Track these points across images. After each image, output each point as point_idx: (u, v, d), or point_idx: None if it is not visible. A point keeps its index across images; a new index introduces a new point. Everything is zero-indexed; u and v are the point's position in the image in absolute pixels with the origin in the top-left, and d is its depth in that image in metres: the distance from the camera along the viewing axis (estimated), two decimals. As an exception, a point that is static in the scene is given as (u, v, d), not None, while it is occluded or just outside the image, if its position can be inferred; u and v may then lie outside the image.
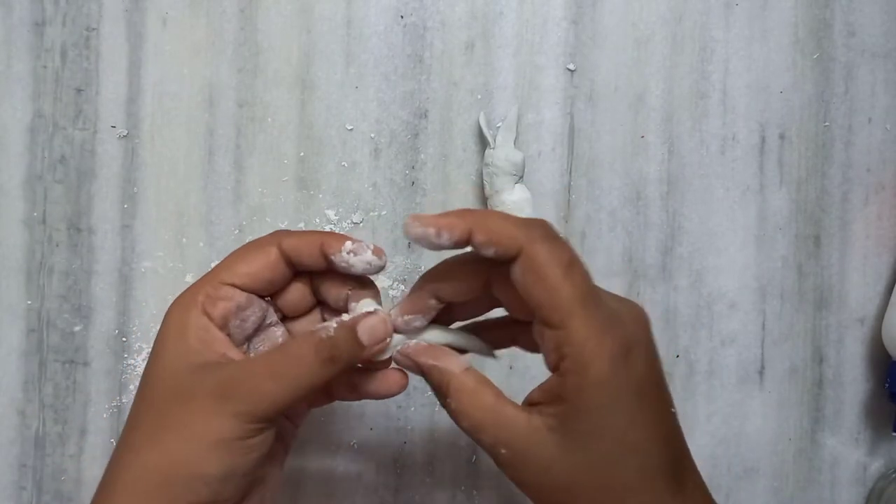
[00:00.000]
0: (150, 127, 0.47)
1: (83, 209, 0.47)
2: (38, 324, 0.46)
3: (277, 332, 0.36)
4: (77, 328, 0.46)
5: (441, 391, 0.32)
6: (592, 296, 0.30)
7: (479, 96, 0.48)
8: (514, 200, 0.45)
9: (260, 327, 0.35)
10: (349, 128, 0.47)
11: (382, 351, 0.33)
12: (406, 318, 0.33)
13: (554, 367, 0.30)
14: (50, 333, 0.46)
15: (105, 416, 0.46)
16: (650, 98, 0.48)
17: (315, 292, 0.36)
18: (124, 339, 0.46)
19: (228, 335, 0.34)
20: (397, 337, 0.33)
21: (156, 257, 0.47)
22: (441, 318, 0.35)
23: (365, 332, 0.32)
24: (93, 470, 0.46)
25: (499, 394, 0.31)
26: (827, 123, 0.49)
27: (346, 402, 0.47)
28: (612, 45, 0.48)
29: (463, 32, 0.48)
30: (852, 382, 0.50)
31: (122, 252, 0.47)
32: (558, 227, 0.48)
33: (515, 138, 0.46)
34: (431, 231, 0.30)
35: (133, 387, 0.46)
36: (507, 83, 0.48)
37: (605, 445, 0.29)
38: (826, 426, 0.49)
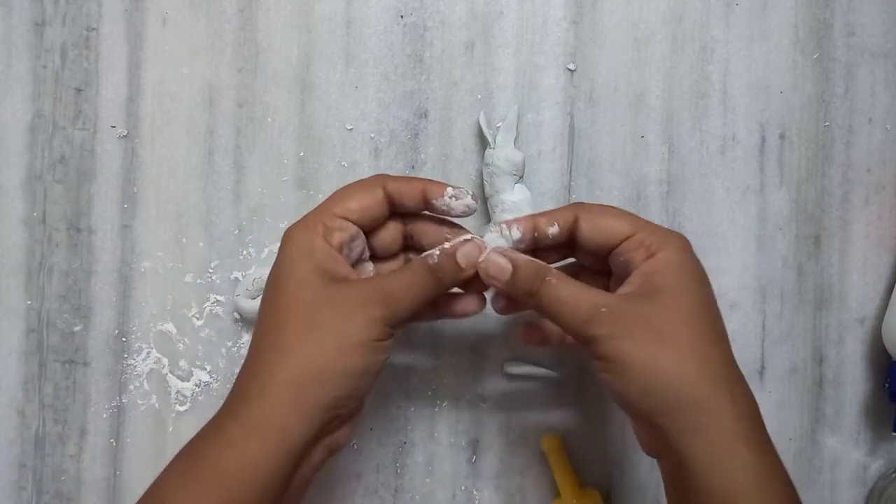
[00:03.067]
0: (150, 127, 0.47)
1: (83, 209, 0.47)
2: (38, 324, 0.46)
3: (369, 268, 0.41)
4: (77, 328, 0.46)
5: (528, 286, 0.37)
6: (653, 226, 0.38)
7: (479, 96, 0.48)
8: (514, 200, 0.45)
9: (359, 259, 0.40)
10: (349, 128, 0.47)
11: (475, 271, 0.38)
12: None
13: (625, 270, 0.37)
14: (50, 333, 0.46)
15: (105, 416, 0.46)
16: (650, 98, 0.48)
17: (405, 236, 0.41)
18: (124, 339, 0.46)
19: None
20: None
21: (156, 257, 0.47)
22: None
23: (463, 256, 0.38)
24: (93, 470, 0.46)
25: (584, 284, 0.37)
26: (827, 123, 0.49)
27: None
28: (612, 45, 0.48)
29: (463, 32, 0.48)
30: (852, 382, 0.50)
31: (122, 252, 0.47)
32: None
33: (515, 138, 0.46)
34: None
35: (133, 387, 0.46)
36: (507, 83, 0.48)
37: (671, 328, 0.35)
38: (826, 426, 0.49)
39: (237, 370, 0.46)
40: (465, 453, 0.48)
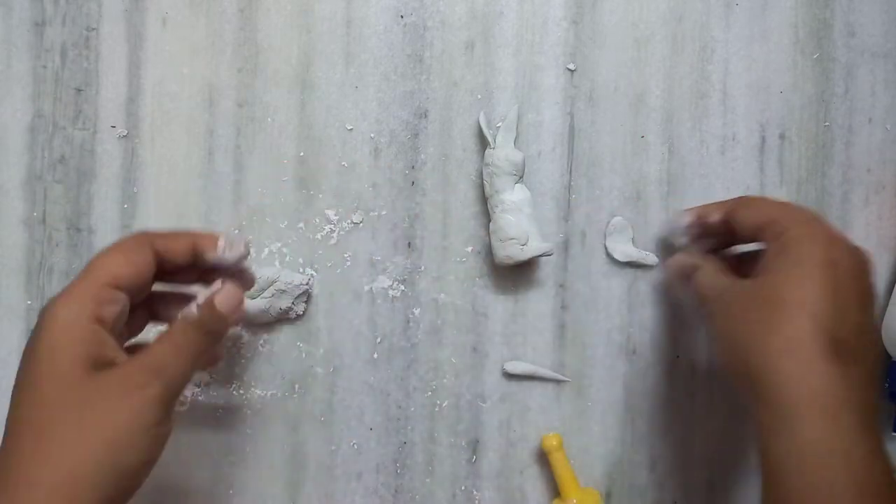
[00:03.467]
0: (150, 127, 0.47)
1: (83, 209, 0.47)
2: (38, 324, 0.46)
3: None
4: (77, 328, 0.46)
5: (687, 273, 0.42)
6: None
7: (479, 96, 0.48)
8: (514, 200, 0.45)
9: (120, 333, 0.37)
10: (349, 128, 0.47)
11: (242, 318, 0.39)
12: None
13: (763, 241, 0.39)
14: (50, 333, 0.46)
15: (105, 416, 0.46)
16: (650, 98, 0.48)
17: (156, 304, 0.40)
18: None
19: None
20: None
21: (156, 257, 0.47)
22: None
23: (222, 303, 0.37)
24: (93, 470, 0.46)
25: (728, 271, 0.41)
26: (827, 123, 0.49)
27: (346, 404, 0.47)
28: (612, 45, 0.48)
29: (463, 32, 0.48)
30: (852, 382, 0.50)
31: (122, 252, 0.47)
32: (558, 227, 0.48)
33: (515, 138, 0.46)
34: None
35: (133, 387, 0.46)
36: (507, 83, 0.48)
37: (781, 293, 0.36)
38: (826, 426, 0.49)
39: (237, 370, 0.47)
40: (465, 453, 0.48)
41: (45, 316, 0.34)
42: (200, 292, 0.37)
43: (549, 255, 0.46)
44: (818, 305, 0.35)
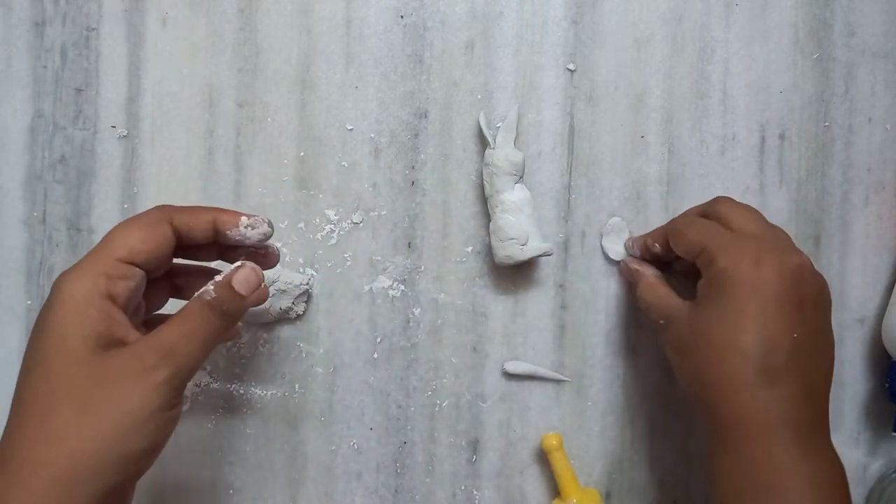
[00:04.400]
0: (150, 127, 0.47)
1: (83, 209, 0.47)
2: (38, 324, 0.46)
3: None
4: (77, 328, 0.46)
5: (634, 282, 0.45)
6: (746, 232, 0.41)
7: (479, 96, 0.48)
8: (514, 200, 0.45)
9: (136, 309, 0.36)
10: (349, 128, 0.47)
11: (264, 297, 0.37)
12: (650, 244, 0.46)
13: (702, 269, 0.40)
14: (50, 333, 0.46)
15: (105, 416, 0.46)
16: (650, 98, 0.48)
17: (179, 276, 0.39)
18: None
19: (126, 314, 0.34)
20: None
21: (156, 257, 0.47)
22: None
23: (240, 283, 0.35)
24: (93, 470, 0.46)
25: (670, 289, 0.43)
26: (827, 123, 0.49)
27: (346, 403, 0.47)
28: (612, 45, 0.48)
29: (463, 32, 0.48)
30: (852, 382, 0.50)
31: (122, 252, 0.47)
32: (558, 227, 0.48)
33: (515, 138, 0.46)
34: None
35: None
36: (507, 83, 0.48)
37: (717, 325, 0.38)
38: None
39: (237, 370, 0.47)
40: (465, 453, 0.48)
41: (55, 290, 0.32)
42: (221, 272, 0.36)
43: (549, 255, 0.46)
44: (747, 344, 0.37)
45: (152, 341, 0.33)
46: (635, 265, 0.46)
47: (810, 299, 0.38)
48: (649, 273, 0.45)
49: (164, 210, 0.36)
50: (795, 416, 0.37)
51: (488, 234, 0.46)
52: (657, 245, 0.45)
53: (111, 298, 0.33)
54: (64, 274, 0.33)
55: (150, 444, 0.32)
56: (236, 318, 0.36)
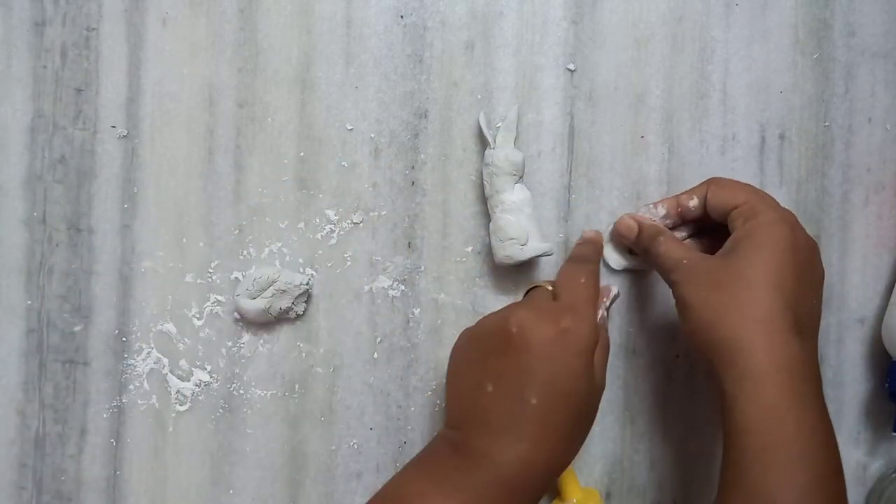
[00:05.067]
0: (150, 127, 0.47)
1: (83, 209, 0.47)
2: (38, 324, 0.46)
3: None
4: (77, 328, 0.46)
5: (649, 236, 0.45)
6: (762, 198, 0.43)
7: (479, 96, 0.48)
8: (514, 200, 0.45)
9: None
10: (349, 128, 0.47)
11: None
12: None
13: (731, 225, 0.42)
14: (50, 333, 0.46)
15: (105, 416, 0.46)
16: (650, 98, 0.48)
17: None
18: (124, 339, 0.46)
19: None
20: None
21: (156, 257, 0.47)
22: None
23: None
24: (93, 470, 0.46)
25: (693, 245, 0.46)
26: (827, 123, 0.49)
27: (346, 403, 0.47)
28: (612, 45, 0.48)
29: (463, 32, 0.48)
30: (852, 382, 0.50)
31: (122, 252, 0.47)
32: (558, 227, 0.48)
33: (515, 138, 0.46)
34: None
35: (133, 387, 0.46)
36: (507, 83, 0.48)
37: (749, 272, 0.39)
38: (826, 426, 0.49)
39: (237, 370, 0.47)
40: (465, 453, 0.48)
41: (574, 337, 0.38)
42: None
43: (549, 254, 0.46)
44: (786, 286, 0.38)
45: (599, 375, 0.39)
46: (653, 226, 0.45)
47: (822, 278, 0.42)
48: (674, 233, 0.46)
49: (594, 261, 0.44)
50: (816, 371, 0.39)
51: (488, 234, 0.46)
52: (695, 198, 0.45)
53: None
54: (578, 321, 0.38)
55: None
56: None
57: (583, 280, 0.41)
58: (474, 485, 0.36)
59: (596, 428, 0.48)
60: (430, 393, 0.47)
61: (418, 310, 0.47)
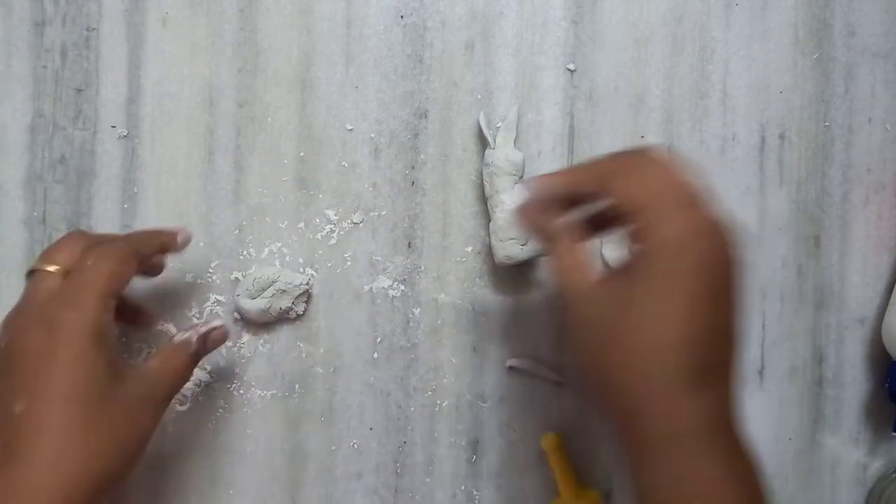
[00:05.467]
0: (150, 127, 0.47)
1: (83, 209, 0.47)
2: (38, 324, 0.46)
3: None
4: (77, 328, 0.46)
5: (547, 239, 0.37)
6: (687, 196, 0.33)
7: (479, 96, 0.48)
8: (514, 200, 0.45)
9: None
10: (349, 128, 0.47)
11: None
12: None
13: (633, 237, 0.33)
14: (50, 333, 0.46)
15: (105, 416, 0.46)
16: (650, 98, 0.48)
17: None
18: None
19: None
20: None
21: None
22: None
23: (214, 342, 0.42)
24: (93, 470, 0.46)
25: (590, 257, 0.36)
26: (827, 123, 0.49)
27: (346, 403, 0.47)
28: (612, 45, 0.48)
29: (463, 32, 0.48)
30: (852, 382, 0.50)
31: (122, 252, 0.47)
32: (558, 227, 0.48)
33: (515, 138, 0.46)
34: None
35: (133, 387, 0.46)
36: (507, 83, 0.48)
37: (643, 309, 0.32)
38: (826, 426, 0.49)
39: (237, 370, 0.47)
40: (465, 453, 0.48)
41: (58, 325, 0.34)
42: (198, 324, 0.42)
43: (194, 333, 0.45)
44: (683, 345, 0.32)
45: (148, 381, 0.37)
46: (547, 225, 0.37)
47: (736, 293, 0.34)
48: (570, 232, 0.36)
49: (128, 242, 0.39)
50: (727, 418, 0.33)
51: (488, 235, 0.46)
52: (589, 186, 0.35)
53: (108, 333, 0.36)
54: (66, 308, 0.35)
55: (133, 463, 0.36)
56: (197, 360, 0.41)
57: (89, 263, 0.36)
58: None
59: (596, 428, 0.48)
60: (430, 393, 0.48)
61: (418, 310, 0.47)
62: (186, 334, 0.40)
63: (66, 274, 0.36)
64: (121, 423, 0.35)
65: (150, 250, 0.40)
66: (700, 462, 0.32)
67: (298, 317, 0.47)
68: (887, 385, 0.48)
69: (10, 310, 0.37)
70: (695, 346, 0.32)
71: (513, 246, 0.45)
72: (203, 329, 0.41)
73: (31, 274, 0.38)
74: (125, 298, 0.42)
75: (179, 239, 0.42)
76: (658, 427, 0.32)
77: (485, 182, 0.46)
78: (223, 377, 0.47)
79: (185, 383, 0.40)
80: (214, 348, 0.42)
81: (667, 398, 0.32)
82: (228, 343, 0.47)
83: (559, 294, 0.36)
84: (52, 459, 0.32)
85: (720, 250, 0.33)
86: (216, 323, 0.42)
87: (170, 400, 0.39)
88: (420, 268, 0.47)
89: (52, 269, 0.37)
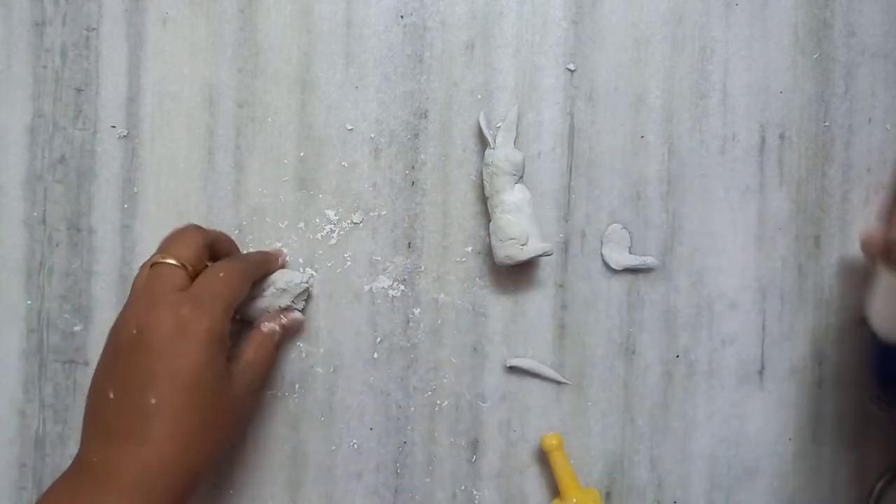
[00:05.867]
0: (150, 127, 0.47)
1: (83, 209, 0.47)
2: (38, 324, 0.46)
3: None
4: (77, 328, 0.46)
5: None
6: None
7: (479, 96, 0.48)
8: (514, 200, 0.45)
9: None
10: (349, 128, 0.47)
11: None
12: None
13: None
14: (50, 333, 0.46)
15: (105, 416, 0.46)
16: (650, 98, 0.48)
17: None
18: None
19: None
20: None
21: (156, 257, 0.47)
22: None
23: (292, 328, 0.46)
24: (93, 470, 0.46)
25: None
26: (827, 123, 0.49)
27: (346, 403, 0.47)
28: (612, 45, 0.48)
29: (463, 32, 0.48)
30: (852, 382, 0.50)
31: (122, 252, 0.47)
32: (558, 227, 0.48)
33: (515, 138, 0.46)
34: None
35: (133, 387, 0.46)
36: (507, 83, 0.48)
37: None
38: (826, 426, 0.49)
39: (237, 370, 0.47)
40: (465, 453, 0.48)
41: (187, 323, 0.37)
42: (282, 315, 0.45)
43: (549, 254, 0.46)
44: None
45: (244, 371, 0.41)
46: None
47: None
48: None
49: (249, 264, 0.43)
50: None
51: (488, 235, 0.46)
52: None
53: (227, 339, 0.39)
54: (199, 315, 0.37)
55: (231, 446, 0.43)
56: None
57: (221, 275, 0.39)
58: None
59: (596, 428, 0.48)
60: (430, 393, 0.48)
61: (418, 310, 0.47)
62: (270, 324, 0.44)
63: (185, 268, 0.39)
64: (230, 415, 0.39)
65: (261, 274, 0.44)
66: None
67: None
68: (874, 367, 0.47)
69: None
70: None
71: (513, 246, 0.45)
72: (285, 320, 0.44)
73: (153, 266, 0.39)
74: None
75: (280, 262, 0.46)
76: None
77: (485, 182, 0.46)
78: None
79: (270, 371, 0.44)
80: (291, 337, 0.45)
81: None
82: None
83: None
84: (181, 446, 0.35)
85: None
86: (296, 315, 0.45)
87: (262, 388, 0.43)
88: (420, 268, 0.47)
89: (173, 262, 0.39)
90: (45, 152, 0.47)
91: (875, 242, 0.38)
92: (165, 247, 0.40)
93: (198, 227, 0.42)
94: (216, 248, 0.42)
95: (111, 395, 0.35)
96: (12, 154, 0.46)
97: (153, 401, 0.35)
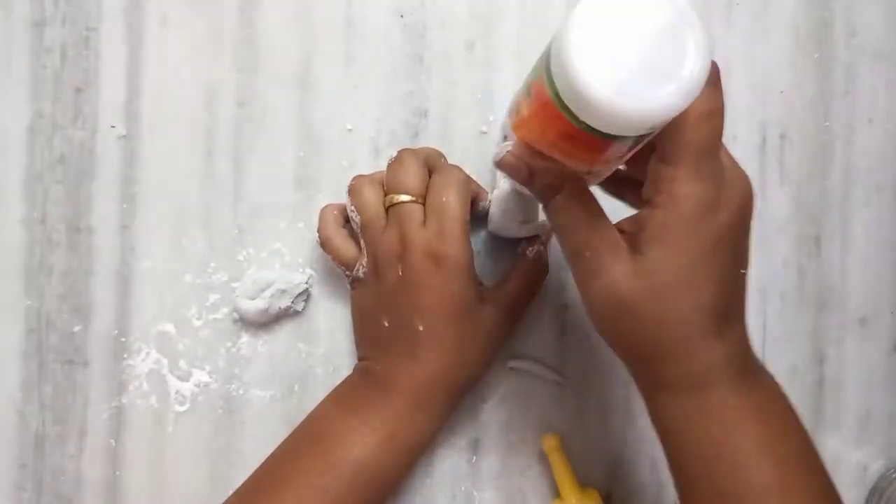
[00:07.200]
0: (150, 127, 0.47)
1: (83, 209, 0.47)
2: (38, 324, 0.46)
3: None
4: (76, 328, 0.46)
5: (553, 191, 0.35)
6: (710, 149, 0.33)
7: (479, 96, 0.48)
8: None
9: None
10: (349, 128, 0.47)
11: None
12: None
13: (647, 200, 0.33)
14: (49, 333, 0.46)
15: (104, 416, 0.46)
16: (650, 98, 0.48)
17: None
18: (123, 339, 0.46)
19: None
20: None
21: (155, 257, 0.47)
22: None
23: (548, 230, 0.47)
24: (93, 470, 0.46)
25: (601, 209, 0.35)
26: (828, 123, 0.49)
27: (346, 403, 0.47)
28: (612, 45, 0.48)
29: (463, 32, 0.48)
30: (852, 382, 0.50)
31: (122, 252, 0.47)
32: (558, 228, 0.48)
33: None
34: None
35: (132, 387, 0.46)
36: (507, 83, 0.48)
37: (668, 276, 0.33)
38: (826, 426, 0.49)
39: (237, 370, 0.47)
40: (465, 453, 0.48)
41: (443, 258, 0.41)
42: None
43: (542, 240, 0.45)
44: (704, 301, 0.33)
45: (502, 299, 0.44)
46: (549, 172, 0.35)
47: (746, 244, 0.35)
48: (575, 178, 0.35)
49: (459, 173, 0.43)
50: (746, 350, 0.36)
51: (488, 233, 0.46)
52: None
53: (473, 260, 0.42)
54: (447, 246, 0.41)
55: (487, 368, 0.46)
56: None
57: (444, 199, 0.41)
58: (384, 404, 0.42)
59: (596, 428, 0.48)
60: (429, 393, 0.47)
61: (418, 310, 0.47)
62: (536, 248, 0.45)
63: (418, 201, 0.42)
64: (482, 339, 0.43)
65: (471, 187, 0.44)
66: (728, 397, 0.34)
67: (297, 313, 0.47)
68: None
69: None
70: (713, 305, 0.34)
71: (511, 220, 0.44)
72: (543, 237, 0.46)
73: (392, 207, 0.42)
74: None
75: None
76: (692, 371, 0.34)
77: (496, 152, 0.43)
78: (222, 377, 0.47)
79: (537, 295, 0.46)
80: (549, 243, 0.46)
81: (699, 344, 0.34)
82: (228, 343, 0.47)
83: (571, 262, 0.35)
84: (443, 365, 0.42)
85: (729, 206, 0.33)
86: (541, 223, 0.46)
87: (524, 312, 0.46)
88: (420, 268, 0.47)
89: (409, 198, 0.42)
90: (44, 152, 0.47)
91: (514, 165, 0.36)
92: (394, 184, 0.42)
93: (412, 153, 0.43)
94: (429, 164, 0.44)
95: (386, 324, 0.42)
96: (11, 154, 0.46)
97: (421, 328, 0.41)
